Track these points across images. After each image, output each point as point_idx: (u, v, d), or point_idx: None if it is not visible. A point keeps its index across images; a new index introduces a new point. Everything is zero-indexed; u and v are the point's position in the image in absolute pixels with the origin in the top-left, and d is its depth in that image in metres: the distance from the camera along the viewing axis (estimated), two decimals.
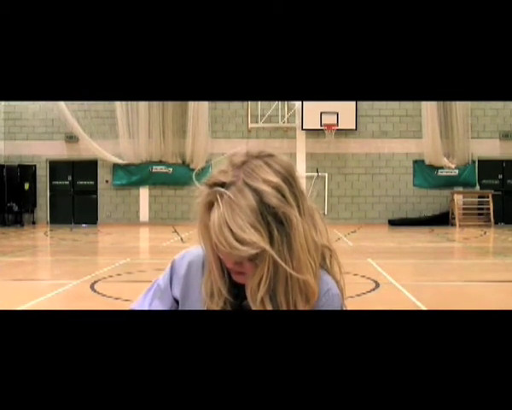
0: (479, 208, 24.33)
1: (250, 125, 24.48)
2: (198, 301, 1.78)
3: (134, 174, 24.79)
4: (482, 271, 11.65)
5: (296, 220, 1.60)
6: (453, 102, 23.96)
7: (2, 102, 24.53)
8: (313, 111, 23.73)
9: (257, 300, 1.63)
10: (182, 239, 17.78)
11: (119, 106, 24.16)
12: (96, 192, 25.23)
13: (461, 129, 24.38)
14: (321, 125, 23.84)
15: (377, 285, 9.53)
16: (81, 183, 25.35)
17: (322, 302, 1.70)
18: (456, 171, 24.63)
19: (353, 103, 23.59)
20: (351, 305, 1.88)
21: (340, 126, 23.88)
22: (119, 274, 10.77)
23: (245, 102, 24.23)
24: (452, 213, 24.08)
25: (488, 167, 24.81)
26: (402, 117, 24.57)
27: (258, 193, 1.57)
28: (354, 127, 24.17)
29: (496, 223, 23.74)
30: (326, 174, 24.41)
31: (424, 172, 24.71)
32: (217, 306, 1.72)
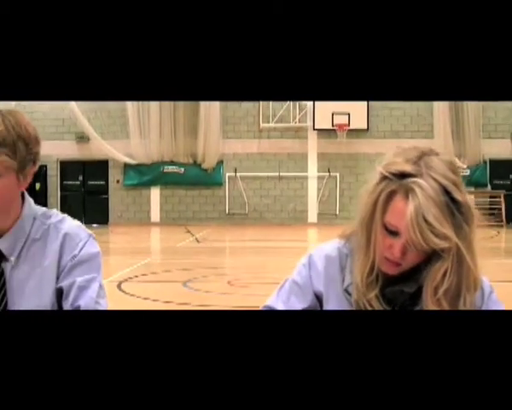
0: (490, 209, 24.28)
1: (261, 125, 24.45)
2: (340, 294, 1.82)
3: (145, 174, 24.76)
4: (504, 271, 11.60)
5: (473, 216, 1.66)
6: (465, 103, 23.93)
7: (13, 103, 24.51)
8: (325, 111, 23.69)
9: (438, 293, 1.67)
10: (197, 239, 17.76)
11: (131, 106, 24.14)
12: (106, 192, 25.21)
13: (472, 129, 24.35)
14: (332, 125, 23.79)
15: None
16: (92, 183, 25.33)
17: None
18: (468, 171, 24.57)
19: (365, 103, 23.55)
20: None
21: (351, 126, 23.84)
22: (144, 274, 10.76)
23: (256, 102, 24.20)
24: None
25: (500, 168, 24.77)
26: (413, 117, 24.53)
27: (443, 187, 1.62)
28: (366, 127, 24.13)
29: (508, 223, 23.69)
30: (337, 174, 24.37)
31: None
32: (369, 292, 1.75)
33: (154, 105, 23.94)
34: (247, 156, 24.55)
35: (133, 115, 24.31)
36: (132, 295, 8.63)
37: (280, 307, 1.86)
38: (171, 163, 24.74)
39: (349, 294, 1.79)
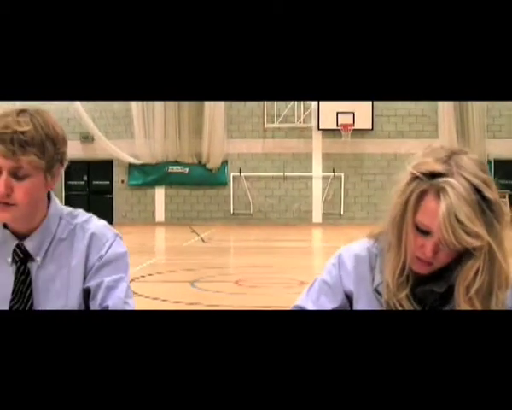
0: None
1: (266, 125, 24.44)
2: (370, 293, 1.82)
3: (150, 174, 24.78)
4: None
5: (504, 213, 1.66)
6: (469, 102, 23.91)
7: (17, 103, 24.47)
8: (329, 111, 23.67)
9: (471, 291, 1.66)
10: (202, 239, 17.75)
11: (135, 106, 24.15)
12: (111, 192, 25.23)
13: (477, 129, 24.34)
14: (337, 125, 23.78)
15: None
16: (97, 183, 25.34)
17: None
18: None
19: (369, 103, 23.53)
20: None
21: (356, 126, 23.83)
22: (150, 274, 10.75)
23: (261, 102, 24.20)
24: None
25: (504, 168, 24.66)
26: (418, 117, 24.52)
27: (474, 186, 1.62)
28: (370, 127, 24.11)
29: None
30: (342, 174, 24.36)
31: None
32: (400, 292, 1.75)
33: (158, 105, 23.96)
34: (251, 156, 24.55)
35: (138, 115, 24.32)
36: (141, 295, 8.62)
37: (310, 306, 1.86)
38: (176, 163, 24.74)
39: (379, 293, 1.80)
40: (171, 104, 23.93)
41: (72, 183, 25.35)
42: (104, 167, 25.09)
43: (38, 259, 2.01)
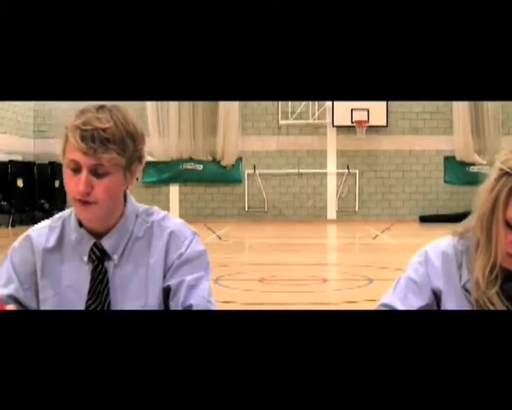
0: None
1: (280, 122, 24.39)
2: (459, 291, 1.81)
3: (164, 172, 24.78)
4: None
5: None
6: None
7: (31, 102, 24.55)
8: (344, 108, 23.61)
9: None
10: (218, 236, 17.74)
11: (150, 104, 24.13)
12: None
13: (492, 125, 24.25)
14: (352, 122, 23.72)
15: None
16: None
17: None
18: (488, 167, 24.44)
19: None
20: None
21: (370, 123, 23.75)
22: None
23: None
24: None
25: None
26: (433, 113, 24.43)
27: None
28: (385, 124, 24.04)
29: None
30: (357, 171, 24.30)
31: (455, 168, 24.58)
32: (490, 289, 1.74)
33: (173, 103, 23.94)
34: (266, 153, 24.52)
35: (152, 113, 24.31)
36: None
37: (398, 304, 1.85)
38: (190, 160, 24.74)
39: (467, 291, 1.79)
40: (186, 102, 23.91)
41: None
42: None
43: (115, 257, 1.99)
